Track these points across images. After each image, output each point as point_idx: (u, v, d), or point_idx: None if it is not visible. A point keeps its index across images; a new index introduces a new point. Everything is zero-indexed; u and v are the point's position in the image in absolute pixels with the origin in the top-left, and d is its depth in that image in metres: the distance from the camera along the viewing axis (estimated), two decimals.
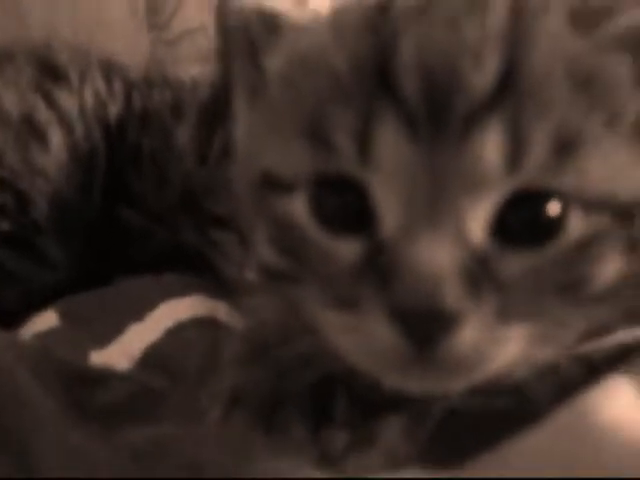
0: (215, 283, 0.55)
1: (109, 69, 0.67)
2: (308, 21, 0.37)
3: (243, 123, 0.41)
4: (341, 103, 0.31)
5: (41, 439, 0.33)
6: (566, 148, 0.30)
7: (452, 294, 0.29)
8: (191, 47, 1.32)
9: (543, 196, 0.31)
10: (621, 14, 0.34)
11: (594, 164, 0.31)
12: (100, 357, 0.48)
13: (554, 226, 0.31)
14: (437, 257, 0.29)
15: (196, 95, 0.64)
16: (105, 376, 0.43)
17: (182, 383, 0.43)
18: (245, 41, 0.39)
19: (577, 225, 0.31)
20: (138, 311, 0.52)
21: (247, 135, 0.40)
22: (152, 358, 0.48)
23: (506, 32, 0.31)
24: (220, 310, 0.52)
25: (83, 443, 0.34)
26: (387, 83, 0.31)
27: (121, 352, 0.49)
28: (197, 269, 0.58)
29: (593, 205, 0.32)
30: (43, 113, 0.60)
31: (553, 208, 0.31)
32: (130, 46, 1.26)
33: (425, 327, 0.29)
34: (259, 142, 0.37)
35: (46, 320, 0.53)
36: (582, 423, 0.28)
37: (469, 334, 0.29)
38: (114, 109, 0.64)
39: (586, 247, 0.32)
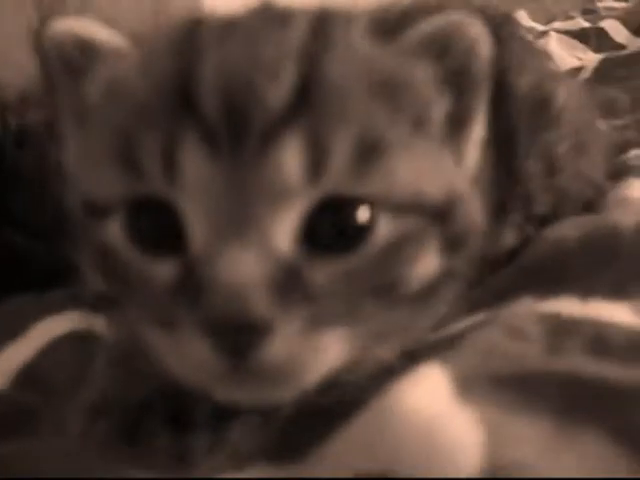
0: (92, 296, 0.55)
1: None
2: (123, 46, 0.38)
3: (70, 147, 0.40)
4: (147, 126, 0.32)
5: None
6: (369, 154, 0.31)
7: (259, 305, 0.29)
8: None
9: (350, 202, 0.32)
10: (422, 20, 0.36)
11: (401, 168, 0.32)
12: None
13: (363, 231, 0.32)
14: (243, 270, 0.30)
15: None
16: None
17: (55, 400, 0.44)
18: (63, 66, 0.39)
19: (386, 228, 0.32)
20: (15, 331, 0.52)
21: (74, 160, 0.39)
22: (27, 376, 0.47)
23: (303, 47, 0.32)
24: (98, 324, 0.52)
25: None
26: (189, 104, 0.31)
27: None
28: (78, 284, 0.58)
29: (402, 208, 0.33)
30: None
31: (361, 214, 0.32)
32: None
33: (235, 339, 0.30)
34: (80, 170, 0.37)
35: None
36: (386, 412, 0.30)
37: (280, 343, 0.30)
38: None
39: (397, 249, 0.33)
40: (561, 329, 0.34)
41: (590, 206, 0.58)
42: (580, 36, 1.15)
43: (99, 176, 0.34)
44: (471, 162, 0.39)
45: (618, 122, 0.80)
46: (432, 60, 0.36)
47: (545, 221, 0.53)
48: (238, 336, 0.30)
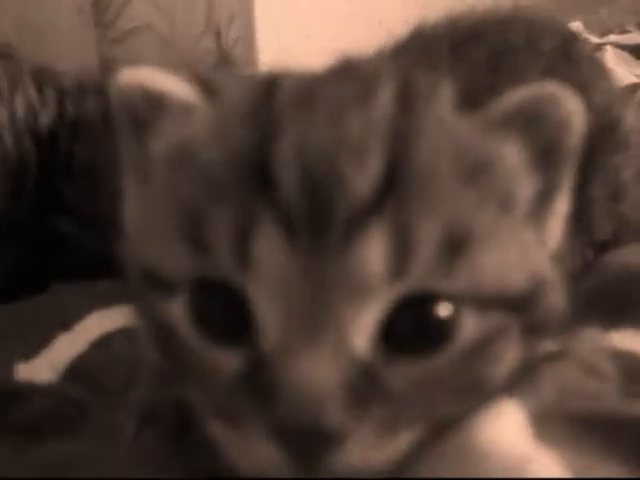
0: None
1: (41, 77, 0.67)
2: (193, 100, 0.35)
3: (130, 206, 0.38)
4: (219, 202, 0.29)
5: None
6: (456, 246, 0.29)
7: (334, 412, 0.28)
8: (136, 45, 1.32)
9: (432, 299, 0.29)
10: (507, 92, 0.33)
11: (488, 258, 0.30)
12: (26, 370, 0.48)
13: (445, 329, 0.29)
14: (318, 373, 0.28)
15: None
16: (25, 391, 0.43)
17: (104, 397, 0.43)
18: (129, 120, 0.36)
19: (471, 326, 0.30)
20: (67, 321, 0.52)
21: (134, 219, 0.36)
22: (77, 370, 0.48)
23: (390, 125, 0.29)
24: None
25: None
26: (266, 182, 0.29)
27: (47, 364, 0.48)
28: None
29: (487, 303, 0.30)
30: None
31: (443, 311, 0.29)
32: (77, 44, 1.26)
33: (307, 446, 0.28)
34: (142, 234, 0.34)
35: None
36: (467, 442, 0.29)
37: (353, 450, 0.28)
38: (46, 117, 0.64)
39: (482, 346, 0.30)
40: (635, 369, 0.33)
41: None
42: (636, 51, 1.12)
43: (163, 247, 0.31)
44: (554, 238, 0.36)
45: None
46: (522, 135, 0.32)
47: (604, 247, 0.53)
48: (310, 443, 0.28)
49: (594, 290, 0.46)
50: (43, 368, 0.48)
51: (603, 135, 0.52)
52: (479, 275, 0.29)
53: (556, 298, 0.33)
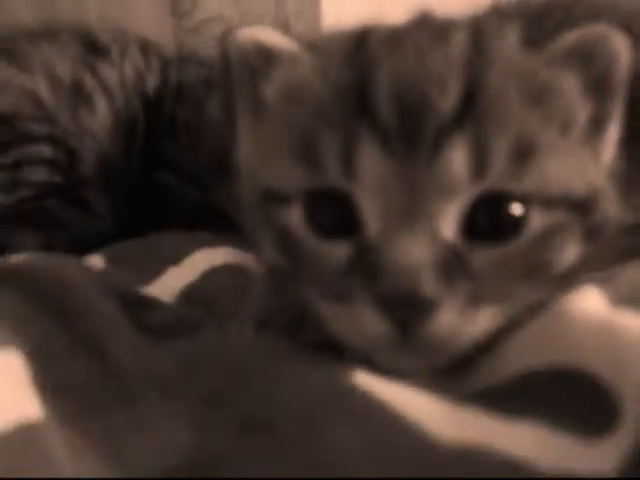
0: (240, 239, 0.60)
1: (146, 48, 0.73)
2: (298, 52, 0.42)
3: (246, 144, 0.45)
4: (327, 128, 0.36)
5: (116, 342, 0.39)
6: (524, 156, 0.35)
7: (428, 284, 0.33)
8: (209, 34, 1.39)
9: (506, 198, 0.36)
10: (568, 31, 0.39)
11: (550, 167, 0.36)
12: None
13: (517, 223, 0.36)
14: (414, 253, 0.34)
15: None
16: (154, 302, 0.49)
17: (217, 318, 0.49)
18: (245, 70, 0.43)
19: (537, 221, 0.36)
20: (176, 257, 0.58)
21: (251, 155, 0.44)
22: (190, 295, 0.53)
23: (466, 59, 0.36)
24: (246, 259, 0.58)
25: (144, 346, 0.40)
26: (366, 109, 0.36)
27: (162, 290, 0.54)
28: (225, 227, 0.64)
29: (551, 202, 0.36)
30: (89, 83, 0.66)
31: (515, 208, 0.36)
32: (155, 32, 1.33)
33: (406, 313, 0.34)
34: (260, 162, 0.42)
35: (93, 263, 0.59)
36: (559, 312, 0.34)
37: (445, 317, 0.34)
38: (152, 83, 0.71)
39: (547, 238, 0.36)
40: None
41: None
42: None
43: (282, 169, 0.38)
44: (607, 159, 0.42)
45: None
46: (578, 68, 0.39)
47: None
48: (409, 311, 0.34)
49: None
50: (159, 293, 0.54)
51: None
52: (544, 180, 0.36)
53: (611, 209, 0.40)
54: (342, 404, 0.31)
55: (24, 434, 0.28)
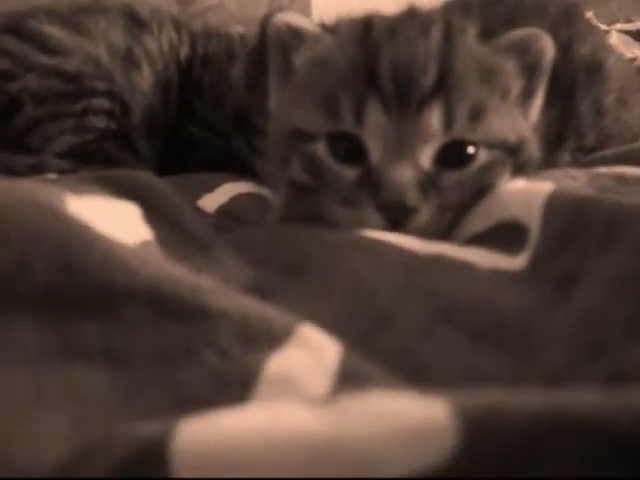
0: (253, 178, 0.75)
1: (178, 23, 0.89)
2: (321, 33, 0.60)
3: (275, 97, 0.64)
4: (344, 90, 0.54)
5: (190, 218, 0.54)
6: (477, 115, 0.54)
7: (412, 196, 0.51)
8: (211, 19, 1.54)
9: (464, 142, 0.54)
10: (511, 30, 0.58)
11: (494, 123, 0.55)
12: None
13: (470, 157, 0.54)
14: (403, 176, 0.52)
15: (245, 44, 0.86)
16: (204, 211, 0.65)
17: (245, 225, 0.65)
18: (279, 44, 0.61)
19: (483, 156, 0.55)
20: (209, 186, 0.72)
21: (279, 105, 0.63)
22: (222, 212, 0.68)
23: (440, 49, 0.54)
24: (264, 191, 0.73)
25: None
26: (372, 80, 0.53)
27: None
28: (241, 170, 0.79)
29: (493, 146, 0.55)
30: (137, 50, 0.82)
31: (470, 149, 0.54)
32: None
33: (397, 214, 0.52)
34: (289, 110, 0.59)
35: None
36: (498, 190, 0.53)
37: (422, 218, 0.52)
38: (183, 52, 0.86)
39: (489, 168, 0.55)
40: (596, 174, 0.56)
41: None
42: (638, 36, 1.34)
43: (309, 116, 0.56)
44: (533, 118, 0.61)
45: None
46: (516, 56, 0.58)
47: (593, 152, 0.74)
48: (399, 213, 0.51)
49: None
50: None
51: (590, 71, 0.73)
52: (490, 131, 0.54)
53: (533, 152, 0.59)
54: (354, 245, 0.46)
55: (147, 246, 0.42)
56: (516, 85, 0.59)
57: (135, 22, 0.85)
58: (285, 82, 0.62)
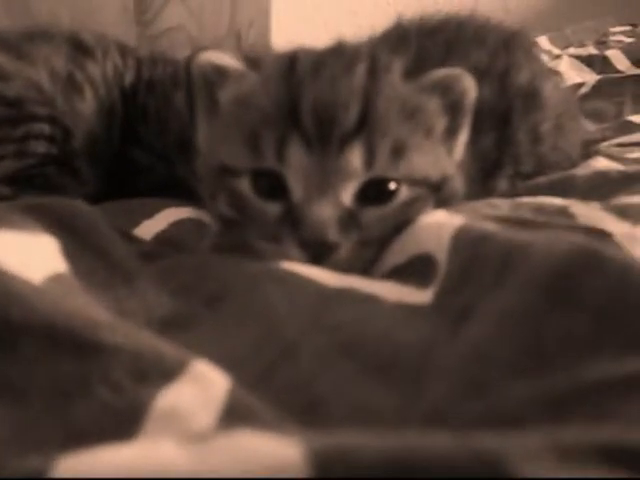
0: (196, 203, 0.75)
1: (124, 49, 0.89)
2: (244, 70, 0.60)
3: (202, 132, 0.64)
4: (266, 127, 0.54)
5: (115, 247, 0.54)
6: (399, 153, 0.54)
7: (332, 233, 0.52)
8: (170, 42, 1.55)
9: (386, 180, 0.55)
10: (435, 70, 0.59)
11: (416, 160, 0.55)
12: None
13: (392, 194, 0.55)
14: (324, 213, 0.52)
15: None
16: (140, 238, 0.65)
17: (182, 251, 0.65)
18: (203, 82, 0.61)
19: (405, 193, 0.55)
20: (149, 212, 0.71)
21: (206, 141, 0.63)
22: (162, 238, 0.68)
23: (363, 88, 0.54)
24: (203, 216, 0.72)
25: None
26: (295, 118, 0.54)
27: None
28: (185, 195, 0.79)
29: (415, 182, 0.56)
30: (79, 76, 0.82)
31: (391, 185, 0.55)
32: (118, 36, 1.48)
33: (318, 251, 0.52)
34: (215, 146, 0.60)
35: None
36: (416, 223, 0.53)
37: (343, 253, 0.52)
38: (128, 78, 0.86)
39: (411, 204, 0.55)
40: (518, 204, 0.57)
41: None
42: (588, 61, 1.36)
43: (234, 152, 0.57)
44: (458, 155, 0.62)
45: (603, 125, 1.01)
46: (439, 95, 0.59)
47: (530, 178, 0.75)
48: (320, 250, 0.52)
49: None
50: None
51: (527, 98, 0.75)
52: (412, 168, 0.55)
53: (457, 187, 0.60)
54: (270, 276, 0.46)
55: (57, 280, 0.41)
56: (440, 123, 0.60)
57: (79, 48, 0.85)
58: (211, 118, 0.63)
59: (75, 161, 0.80)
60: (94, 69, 0.84)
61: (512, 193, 0.70)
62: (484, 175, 0.72)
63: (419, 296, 0.43)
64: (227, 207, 0.59)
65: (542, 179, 0.70)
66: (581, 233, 0.46)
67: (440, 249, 0.46)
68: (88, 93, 0.81)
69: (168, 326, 0.44)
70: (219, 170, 0.59)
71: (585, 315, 0.33)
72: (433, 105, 0.58)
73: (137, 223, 0.71)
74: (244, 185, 0.56)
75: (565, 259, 0.36)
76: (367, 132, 0.53)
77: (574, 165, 0.80)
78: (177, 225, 0.70)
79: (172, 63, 0.88)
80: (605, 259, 0.35)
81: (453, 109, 0.59)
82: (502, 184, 0.74)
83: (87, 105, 0.81)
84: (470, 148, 0.64)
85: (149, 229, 0.70)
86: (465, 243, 0.44)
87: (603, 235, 0.48)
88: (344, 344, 0.37)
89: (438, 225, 0.50)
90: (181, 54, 0.95)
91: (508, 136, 0.73)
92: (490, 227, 0.46)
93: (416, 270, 0.48)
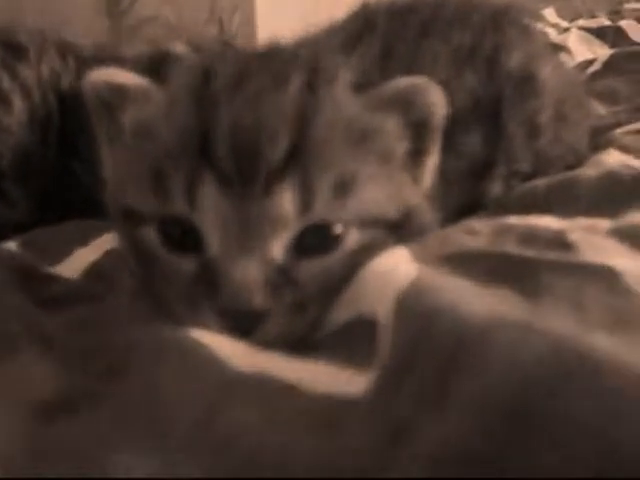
0: None
1: (64, 48, 0.79)
2: (148, 87, 0.48)
3: (107, 166, 0.51)
4: (174, 165, 0.42)
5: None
6: (345, 189, 0.42)
7: (259, 299, 0.40)
8: (147, 33, 1.45)
9: (328, 225, 0.42)
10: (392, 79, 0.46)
11: (368, 195, 0.43)
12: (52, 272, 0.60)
13: (336, 240, 0.43)
14: (248, 274, 0.40)
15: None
16: (56, 277, 0.55)
17: (113, 286, 0.55)
18: (100, 105, 0.49)
19: (353, 238, 0.43)
20: (85, 238, 0.63)
21: (111, 173, 0.51)
22: (91, 271, 0.59)
23: (297, 108, 0.42)
24: None
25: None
26: (207, 154, 0.41)
27: (69, 269, 0.60)
28: None
29: (367, 224, 0.43)
30: (7, 83, 0.72)
31: (335, 230, 0.42)
32: (88, 30, 1.38)
33: (242, 322, 0.40)
34: (120, 182, 0.47)
35: (7, 248, 0.63)
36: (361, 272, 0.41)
37: (273, 325, 0.40)
38: (67, 81, 0.76)
39: (362, 251, 0.43)
40: (503, 229, 0.45)
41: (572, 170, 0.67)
42: (599, 33, 1.23)
43: (139, 194, 0.44)
44: (426, 183, 0.49)
45: (617, 108, 0.90)
46: (399, 112, 0.46)
47: (529, 178, 0.64)
48: (244, 321, 0.40)
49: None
50: (66, 272, 0.59)
51: (520, 84, 0.63)
52: (362, 206, 0.43)
53: (425, 219, 0.48)
54: (178, 348, 0.37)
55: None
56: (400, 146, 0.47)
57: (10, 50, 0.75)
58: (115, 146, 0.50)
59: (2, 183, 0.70)
60: (27, 73, 0.74)
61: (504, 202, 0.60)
62: (472, 178, 0.61)
63: (354, 383, 0.33)
64: (134, 261, 0.47)
65: (540, 182, 0.59)
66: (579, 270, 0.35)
67: (383, 310, 0.36)
68: (17, 103, 0.71)
69: (48, 414, 0.35)
70: (124, 213, 0.46)
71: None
72: (391, 125, 0.46)
73: (68, 253, 0.63)
74: (151, 235, 0.44)
75: (532, 375, 0.26)
76: (301, 166, 0.41)
77: (580, 159, 0.69)
78: (113, 254, 0.61)
79: (125, 62, 0.78)
80: (591, 374, 0.25)
81: (418, 128, 0.47)
82: (495, 187, 0.63)
83: (15, 118, 0.71)
84: (451, 149, 0.53)
85: (82, 259, 0.61)
86: (413, 313, 0.33)
87: (609, 275, 0.37)
88: (237, 463, 0.26)
89: (383, 279, 0.38)
90: (161, 46, 0.86)
91: (498, 130, 0.62)
92: (449, 284, 0.35)
93: (356, 337, 0.37)
